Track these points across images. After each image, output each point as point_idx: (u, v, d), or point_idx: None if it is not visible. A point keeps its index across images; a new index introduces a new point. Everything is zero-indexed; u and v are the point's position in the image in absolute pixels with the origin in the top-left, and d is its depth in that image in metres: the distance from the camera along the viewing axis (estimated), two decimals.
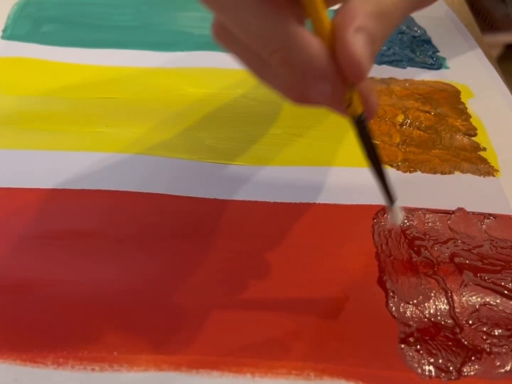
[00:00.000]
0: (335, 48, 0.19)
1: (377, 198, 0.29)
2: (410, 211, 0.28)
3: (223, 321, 0.23)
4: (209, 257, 0.25)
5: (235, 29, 0.20)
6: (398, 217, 0.22)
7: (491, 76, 0.40)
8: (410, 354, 0.22)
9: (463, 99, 0.37)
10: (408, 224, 0.28)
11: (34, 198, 0.27)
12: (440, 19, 0.47)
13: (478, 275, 0.25)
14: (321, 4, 0.19)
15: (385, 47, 0.43)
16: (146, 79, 0.36)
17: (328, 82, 0.20)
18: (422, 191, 0.30)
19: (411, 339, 0.23)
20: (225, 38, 0.22)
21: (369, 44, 0.19)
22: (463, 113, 0.36)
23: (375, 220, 0.28)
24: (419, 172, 0.31)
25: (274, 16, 0.19)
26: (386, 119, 0.35)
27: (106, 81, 0.36)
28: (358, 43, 0.19)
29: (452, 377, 0.21)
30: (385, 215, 0.28)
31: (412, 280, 0.25)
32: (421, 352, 0.22)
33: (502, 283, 0.25)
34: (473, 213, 0.29)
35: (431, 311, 0.24)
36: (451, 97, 0.37)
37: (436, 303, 0.24)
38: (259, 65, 0.22)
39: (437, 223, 0.28)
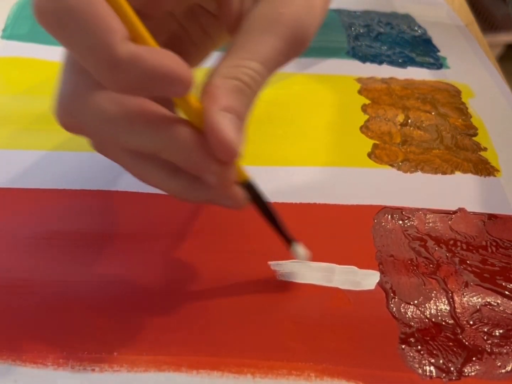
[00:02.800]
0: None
1: (377, 198, 0.29)
2: (410, 211, 0.28)
3: (223, 322, 0.23)
4: (210, 257, 0.25)
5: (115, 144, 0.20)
6: (301, 255, 0.23)
7: (491, 75, 0.40)
8: (411, 354, 0.22)
9: (463, 99, 0.37)
10: (409, 224, 0.28)
11: (34, 198, 0.27)
12: (440, 18, 0.47)
13: (479, 275, 0.25)
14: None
15: (385, 47, 0.43)
16: None
17: (209, 168, 0.19)
18: (423, 191, 0.30)
19: (412, 340, 0.22)
20: (105, 150, 0.21)
21: (237, 123, 0.19)
22: (464, 113, 0.36)
23: (375, 220, 0.28)
24: (419, 172, 0.31)
25: (147, 119, 0.18)
26: (387, 119, 0.35)
27: None
28: (226, 126, 0.18)
29: (453, 378, 0.21)
30: (386, 215, 0.28)
31: (412, 280, 0.25)
32: (422, 352, 0.22)
33: (503, 284, 0.25)
34: (474, 213, 0.29)
35: (432, 312, 0.24)
36: (451, 97, 0.37)
37: (437, 303, 0.24)
38: (143, 169, 0.21)
39: (438, 223, 0.28)
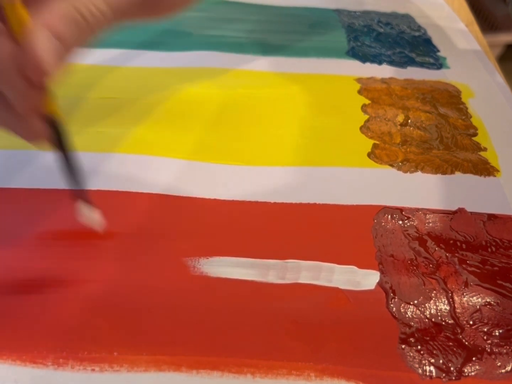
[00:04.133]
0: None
1: (377, 198, 0.29)
2: (410, 211, 0.28)
3: (223, 322, 0.23)
4: (210, 257, 0.25)
5: None
6: (88, 215, 0.23)
7: (491, 75, 0.40)
8: (411, 354, 0.22)
9: (463, 99, 0.37)
10: (408, 224, 0.28)
11: (34, 198, 0.27)
12: (440, 18, 0.47)
13: (479, 275, 0.25)
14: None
15: (385, 47, 0.43)
16: (146, 79, 0.36)
17: (12, 83, 0.18)
18: (423, 191, 0.30)
19: (412, 340, 0.22)
20: None
21: (58, 49, 0.19)
22: (464, 113, 0.36)
23: (375, 220, 0.28)
24: (419, 172, 0.31)
25: None
26: (387, 119, 0.35)
27: (106, 81, 0.36)
28: (44, 46, 0.18)
29: (453, 377, 0.21)
30: (386, 215, 0.28)
31: (412, 280, 0.25)
32: (421, 352, 0.22)
33: (503, 284, 0.25)
34: (474, 213, 0.29)
35: (432, 312, 0.24)
36: (451, 97, 0.37)
37: (437, 303, 0.24)
38: None
39: (438, 223, 0.28)
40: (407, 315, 0.23)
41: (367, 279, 0.25)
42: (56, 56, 0.19)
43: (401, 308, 0.24)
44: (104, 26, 0.20)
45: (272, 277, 0.24)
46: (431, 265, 0.26)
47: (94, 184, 0.28)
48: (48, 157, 0.29)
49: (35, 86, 0.19)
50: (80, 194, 0.23)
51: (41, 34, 0.18)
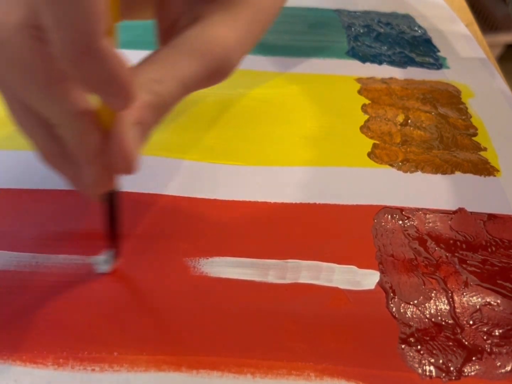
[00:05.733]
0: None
1: (377, 198, 0.29)
2: (410, 211, 0.28)
3: (223, 322, 0.23)
4: (210, 257, 0.25)
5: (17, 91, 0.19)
6: (103, 266, 0.24)
7: (491, 76, 0.40)
8: (411, 354, 0.22)
9: (463, 99, 0.37)
10: (409, 224, 0.28)
11: (34, 199, 0.27)
12: (440, 18, 0.47)
13: (479, 275, 0.25)
14: None
15: (385, 47, 0.43)
16: None
17: (93, 170, 0.20)
18: (423, 191, 0.30)
19: (412, 339, 0.22)
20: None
21: (143, 137, 0.20)
22: (464, 113, 0.36)
23: (375, 220, 0.28)
24: (419, 172, 0.31)
25: (61, 93, 0.18)
26: (387, 119, 0.35)
27: None
28: (133, 140, 0.19)
29: (453, 377, 0.21)
30: (386, 215, 0.28)
31: (412, 280, 0.25)
32: (421, 352, 0.22)
33: (503, 284, 0.25)
34: (474, 213, 0.29)
35: (432, 312, 0.24)
36: (451, 97, 0.37)
37: (437, 303, 0.24)
38: (27, 120, 0.20)
39: (438, 223, 0.28)
40: (407, 315, 0.23)
41: (367, 279, 0.25)
42: (141, 142, 0.20)
43: (401, 308, 0.24)
44: (177, 103, 0.21)
45: (272, 277, 0.24)
46: (431, 265, 0.26)
47: None
48: None
49: (113, 172, 0.20)
50: (113, 251, 0.24)
51: (131, 127, 0.19)
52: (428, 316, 0.23)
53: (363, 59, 0.41)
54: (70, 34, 0.15)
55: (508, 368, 0.22)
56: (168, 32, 0.22)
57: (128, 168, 0.19)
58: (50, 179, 0.28)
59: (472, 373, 0.22)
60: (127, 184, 0.28)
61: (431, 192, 0.30)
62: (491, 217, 0.28)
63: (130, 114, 0.19)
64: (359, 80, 0.38)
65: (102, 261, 0.24)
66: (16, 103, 0.20)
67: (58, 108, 0.18)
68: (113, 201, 0.22)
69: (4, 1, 0.18)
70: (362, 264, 0.25)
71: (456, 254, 0.26)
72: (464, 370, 0.22)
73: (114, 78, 0.17)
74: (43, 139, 0.20)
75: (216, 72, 0.21)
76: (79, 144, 0.19)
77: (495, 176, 0.31)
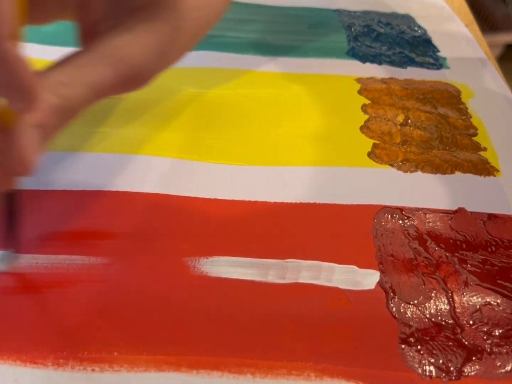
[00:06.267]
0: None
1: (377, 198, 0.29)
2: (410, 211, 0.28)
3: (223, 321, 0.23)
4: (210, 257, 0.25)
5: None
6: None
7: (491, 76, 0.40)
8: (411, 354, 0.22)
9: (463, 99, 0.37)
10: (408, 224, 0.28)
11: (34, 199, 0.27)
12: (440, 19, 0.47)
13: (479, 275, 0.25)
14: None
15: (385, 47, 0.43)
16: None
17: None
18: (423, 191, 0.30)
19: (412, 339, 0.22)
20: None
21: (42, 140, 0.19)
22: (464, 113, 0.36)
23: (375, 220, 0.28)
24: (419, 172, 0.31)
25: None
26: (387, 119, 0.35)
27: None
28: (30, 144, 0.18)
29: (453, 377, 0.21)
30: (386, 215, 0.28)
31: (412, 280, 0.25)
32: (421, 352, 0.22)
33: (503, 283, 0.25)
34: (474, 213, 0.29)
35: (432, 311, 0.24)
36: (451, 97, 0.37)
37: (437, 303, 0.24)
38: None
39: (438, 223, 0.28)
40: (407, 315, 0.23)
41: (367, 279, 0.25)
42: (39, 146, 0.19)
43: (401, 308, 0.24)
44: (85, 109, 0.21)
45: (272, 277, 0.24)
46: (431, 265, 0.26)
47: (94, 184, 0.28)
48: (49, 158, 0.29)
49: (10, 172, 0.19)
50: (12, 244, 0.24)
51: (30, 130, 0.18)
52: (428, 316, 0.23)
53: (363, 59, 0.41)
54: None
55: (508, 368, 0.22)
56: (88, 36, 0.22)
57: (23, 169, 0.19)
58: (51, 179, 0.28)
59: (472, 373, 0.22)
60: (127, 184, 0.28)
61: (431, 192, 0.30)
62: (491, 217, 0.28)
63: (32, 116, 0.18)
64: (359, 80, 0.38)
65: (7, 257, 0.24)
66: None
67: None
68: (12, 200, 0.22)
69: None
70: (362, 264, 0.25)
71: (456, 254, 0.26)
72: (464, 370, 0.22)
73: (17, 81, 0.16)
74: None
75: (129, 81, 0.21)
76: None
77: (495, 176, 0.31)
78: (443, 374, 0.21)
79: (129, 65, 0.21)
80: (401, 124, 0.34)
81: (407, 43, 0.43)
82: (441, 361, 0.22)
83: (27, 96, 0.17)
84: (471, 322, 0.23)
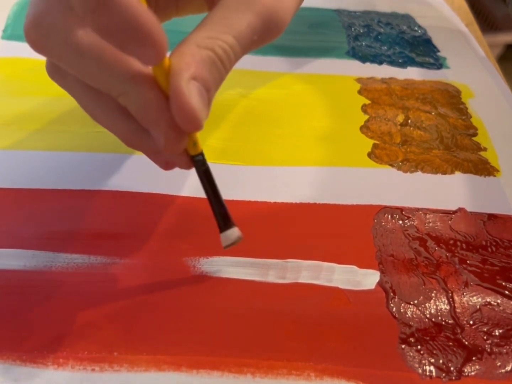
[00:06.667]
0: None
1: (377, 198, 0.29)
2: (410, 211, 0.28)
3: (223, 321, 0.23)
4: (210, 257, 0.25)
5: (76, 74, 0.20)
6: (234, 238, 0.23)
7: (491, 76, 0.40)
8: (411, 354, 0.22)
9: (463, 99, 0.37)
10: (409, 224, 0.28)
11: (34, 199, 0.27)
12: (440, 19, 0.47)
13: (479, 275, 0.25)
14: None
15: (385, 47, 0.43)
16: None
17: (160, 131, 0.19)
18: (423, 191, 0.30)
19: (412, 339, 0.22)
20: (62, 79, 0.21)
21: (203, 94, 0.19)
22: (464, 113, 0.36)
23: (375, 220, 0.28)
24: (419, 172, 0.31)
25: (113, 62, 0.18)
26: (387, 119, 0.35)
27: None
28: (192, 95, 0.19)
29: (453, 377, 0.21)
30: (386, 215, 0.28)
31: (412, 280, 0.25)
32: (421, 352, 0.22)
33: (503, 283, 0.25)
34: (474, 213, 0.29)
35: (432, 311, 0.24)
36: (451, 97, 0.37)
37: (437, 303, 0.24)
38: (96, 107, 0.21)
39: (438, 223, 0.28)
40: (407, 315, 0.23)
41: (367, 279, 0.25)
42: (204, 104, 0.19)
43: (401, 308, 0.24)
44: (235, 62, 0.21)
45: (272, 277, 0.24)
46: (431, 265, 0.26)
47: (94, 184, 0.28)
48: (47, 158, 0.29)
49: (184, 132, 0.20)
50: (226, 222, 0.23)
51: (188, 84, 0.19)
52: (428, 316, 0.23)
53: (363, 59, 0.41)
54: None
55: (508, 368, 0.22)
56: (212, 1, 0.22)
57: (191, 123, 0.19)
58: (51, 179, 0.28)
59: (472, 373, 0.22)
60: (127, 183, 0.28)
61: (431, 192, 0.30)
62: (491, 217, 0.28)
63: (185, 69, 0.19)
64: (359, 80, 0.38)
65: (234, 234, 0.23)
66: (79, 90, 0.20)
67: (114, 77, 0.19)
68: (207, 176, 0.22)
69: None
70: (362, 264, 0.25)
71: (456, 254, 0.26)
72: (464, 370, 0.22)
73: (133, 23, 0.17)
74: (114, 120, 0.21)
75: (270, 25, 0.21)
76: (142, 107, 0.19)
77: (495, 176, 0.31)
78: (443, 374, 0.21)
79: (265, 5, 0.21)
80: (401, 124, 0.34)
81: (407, 43, 0.43)
82: (441, 361, 0.22)
83: (149, 40, 0.17)
84: (471, 322, 0.23)
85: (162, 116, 0.19)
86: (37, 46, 0.19)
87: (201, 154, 0.22)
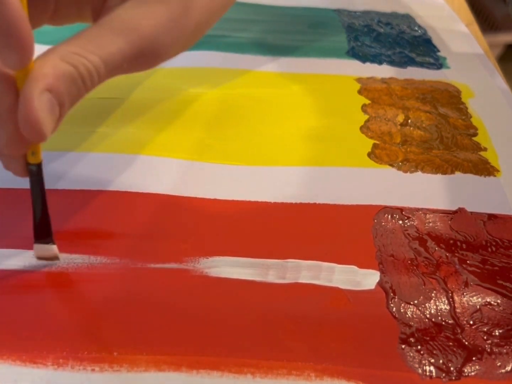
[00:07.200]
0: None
1: (377, 198, 0.29)
2: (410, 211, 0.28)
3: (223, 321, 0.23)
4: (210, 257, 0.25)
5: None
6: (44, 253, 0.23)
7: (491, 76, 0.40)
8: (411, 354, 0.22)
9: (463, 99, 0.37)
10: (409, 224, 0.28)
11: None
12: (440, 19, 0.47)
13: (479, 275, 0.25)
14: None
15: (385, 47, 0.43)
16: (146, 79, 0.36)
17: (5, 130, 0.19)
18: (423, 191, 0.30)
19: (412, 340, 0.22)
20: None
21: (54, 108, 0.19)
22: (464, 113, 0.36)
23: (375, 220, 0.28)
24: (419, 172, 0.31)
25: None
26: (387, 119, 0.35)
27: (106, 81, 0.36)
28: (42, 107, 0.18)
29: (453, 377, 0.21)
30: (386, 215, 0.28)
31: (412, 280, 0.25)
32: (421, 352, 0.22)
33: (503, 284, 0.25)
34: (474, 213, 0.29)
35: (432, 312, 0.24)
36: (451, 97, 0.37)
37: (437, 303, 0.24)
38: None
39: (438, 223, 0.28)
40: (407, 315, 0.23)
41: (367, 279, 0.25)
42: (52, 116, 0.19)
43: (401, 308, 0.24)
44: (97, 84, 0.20)
45: (272, 277, 0.24)
46: (431, 265, 0.26)
47: (94, 184, 0.28)
48: (47, 158, 0.29)
49: (26, 139, 0.19)
50: (44, 233, 0.23)
51: (41, 94, 0.18)
52: (428, 316, 0.23)
53: (363, 59, 0.41)
54: None
55: (508, 368, 0.22)
56: (97, 13, 0.22)
57: (34, 133, 0.18)
58: (51, 179, 0.28)
59: (472, 373, 0.22)
60: (127, 184, 0.28)
61: (431, 192, 0.30)
62: (491, 217, 0.28)
63: (41, 79, 0.18)
64: (359, 80, 0.38)
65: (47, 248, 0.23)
66: None
67: None
68: (34, 180, 0.22)
69: None
70: (362, 264, 0.25)
71: (456, 254, 0.26)
72: (464, 370, 0.22)
73: (7, 24, 0.16)
74: None
75: (142, 54, 0.21)
76: None
77: (495, 176, 0.31)
78: (443, 374, 0.21)
79: (141, 35, 0.20)
80: (401, 124, 0.34)
81: (407, 43, 0.43)
82: (441, 361, 0.22)
83: (17, 44, 0.17)
84: (471, 322, 0.23)
85: (10, 117, 0.19)
86: None
87: (38, 164, 0.22)
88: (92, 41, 0.20)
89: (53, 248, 0.23)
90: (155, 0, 0.21)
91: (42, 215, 0.23)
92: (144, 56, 0.21)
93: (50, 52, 0.19)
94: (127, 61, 0.21)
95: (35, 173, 0.22)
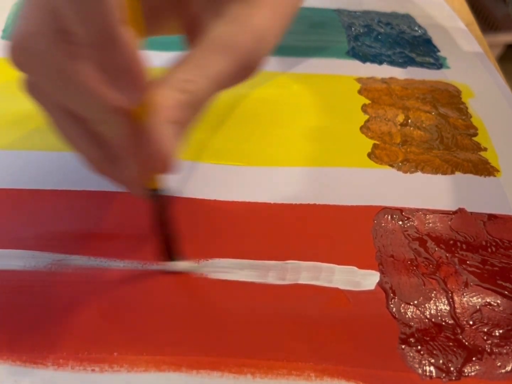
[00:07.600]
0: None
1: (377, 199, 0.29)
2: (410, 212, 0.28)
3: (223, 322, 0.23)
4: (209, 258, 0.25)
5: (58, 98, 0.20)
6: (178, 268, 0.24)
7: (491, 76, 0.40)
8: (411, 354, 0.22)
9: (463, 99, 0.37)
10: (408, 224, 0.28)
11: (34, 199, 0.27)
12: (440, 18, 0.47)
13: (479, 275, 0.25)
14: None
15: (385, 47, 0.43)
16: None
17: (135, 162, 0.20)
18: (423, 191, 0.30)
19: (412, 340, 0.22)
20: (41, 98, 0.21)
21: (178, 136, 0.20)
22: (464, 113, 0.36)
23: (375, 221, 0.28)
24: (419, 172, 0.31)
25: (98, 91, 0.19)
26: (387, 119, 0.35)
27: None
28: (168, 138, 0.19)
29: (453, 378, 0.21)
30: (386, 216, 0.28)
31: (412, 280, 0.25)
32: (421, 352, 0.22)
33: (503, 284, 0.25)
34: (474, 213, 0.29)
35: (432, 312, 0.24)
36: (451, 97, 0.37)
37: (437, 303, 0.24)
38: (71, 129, 0.21)
39: (438, 224, 0.28)
40: (407, 315, 0.23)
41: (367, 280, 0.25)
42: (175, 141, 0.20)
43: (401, 308, 0.24)
44: (209, 101, 0.22)
45: (272, 278, 0.24)
46: (431, 265, 0.26)
47: (94, 185, 0.28)
48: (47, 158, 0.29)
49: (151, 169, 0.20)
50: (173, 255, 0.24)
51: (164, 126, 0.19)
52: (428, 316, 0.23)
53: (363, 59, 0.41)
54: (90, 23, 0.16)
55: (508, 368, 0.22)
56: (192, 32, 0.22)
57: (163, 165, 0.19)
58: (51, 180, 0.28)
59: (472, 374, 0.22)
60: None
61: (431, 192, 0.30)
62: (491, 217, 0.28)
63: (164, 112, 0.19)
64: (359, 80, 0.38)
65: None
66: (56, 111, 0.21)
67: (97, 106, 0.19)
68: (162, 206, 0.23)
69: (27, 12, 0.18)
70: (362, 265, 0.25)
71: (456, 254, 0.26)
72: (464, 371, 0.22)
73: (131, 67, 0.17)
74: (87, 144, 0.21)
75: (244, 69, 0.22)
76: (118, 137, 0.20)
77: (495, 176, 0.31)
78: (443, 375, 0.21)
79: (244, 53, 0.21)
80: (401, 124, 0.34)
81: (407, 43, 0.43)
82: (441, 362, 0.22)
83: (135, 84, 0.18)
84: (471, 322, 0.23)
85: (135, 151, 0.20)
86: (23, 68, 0.19)
87: (158, 189, 0.22)
88: (199, 65, 0.21)
89: (184, 265, 0.24)
90: (248, 13, 0.22)
91: (167, 237, 0.23)
92: (245, 69, 0.22)
93: (161, 83, 0.20)
94: (231, 77, 0.22)
95: (157, 197, 0.22)
